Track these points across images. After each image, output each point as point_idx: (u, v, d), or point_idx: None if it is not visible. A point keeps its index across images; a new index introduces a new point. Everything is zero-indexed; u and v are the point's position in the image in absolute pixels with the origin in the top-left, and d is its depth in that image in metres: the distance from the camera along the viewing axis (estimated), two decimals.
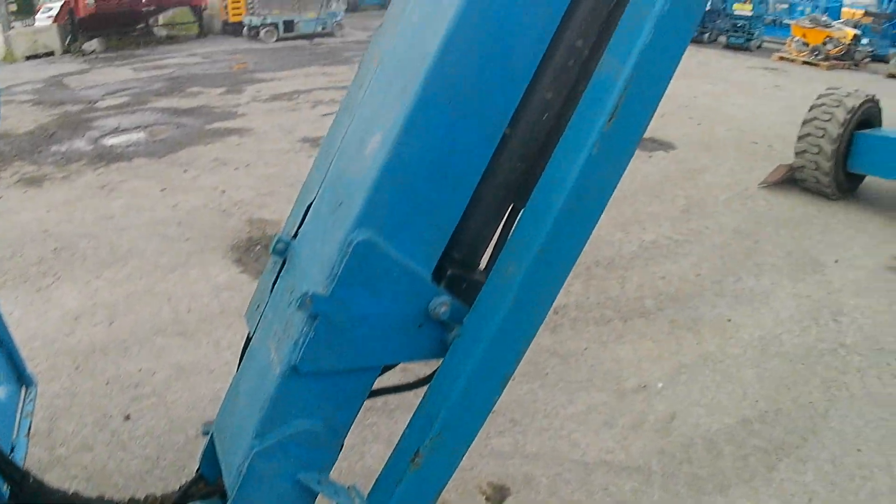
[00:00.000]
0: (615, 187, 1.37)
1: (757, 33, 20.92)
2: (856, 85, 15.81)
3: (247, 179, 7.01)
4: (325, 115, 9.75)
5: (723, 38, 21.22)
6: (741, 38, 20.89)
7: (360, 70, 1.61)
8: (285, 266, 1.57)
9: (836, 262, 5.46)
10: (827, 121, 6.41)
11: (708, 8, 20.40)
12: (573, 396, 3.75)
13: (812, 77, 16.21)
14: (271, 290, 1.61)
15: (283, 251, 1.54)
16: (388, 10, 1.66)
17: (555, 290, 1.43)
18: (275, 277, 1.60)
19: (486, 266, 1.47)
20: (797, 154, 6.71)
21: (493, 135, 1.35)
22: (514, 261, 1.36)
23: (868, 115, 6.65)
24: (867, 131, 6.52)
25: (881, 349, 4.33)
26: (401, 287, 1.35)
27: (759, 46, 21.42)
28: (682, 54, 1.34)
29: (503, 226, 1.51)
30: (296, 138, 8.56)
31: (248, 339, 1.67)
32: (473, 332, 1.39)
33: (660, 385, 3.83)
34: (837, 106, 6.43)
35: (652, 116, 1.33)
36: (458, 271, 1.44)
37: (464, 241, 1.44)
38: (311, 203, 1.52)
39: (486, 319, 1.37)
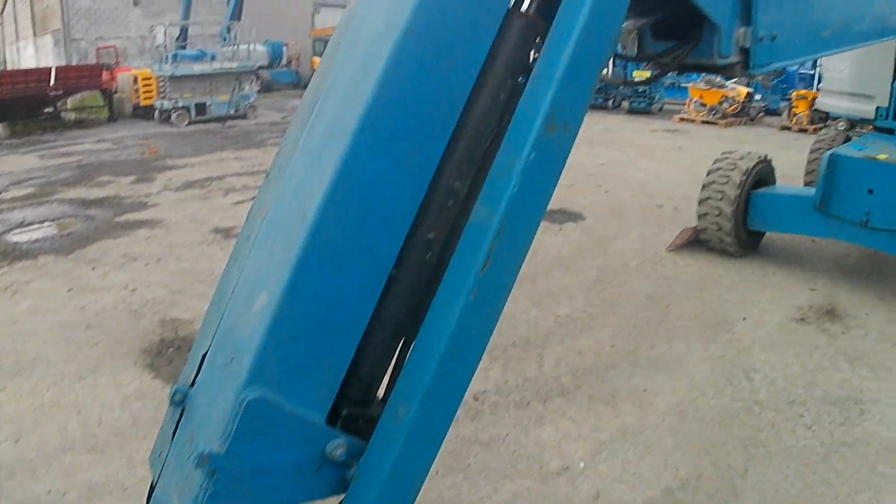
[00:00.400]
0: (497, 321, 1.47)
1: (658, 97, 22.03)
2: (752, 138, 16.91)
3: (158, 276, 6.87)
4: (237, 202, 9.73)
5: (626, 104, 22.19)
6: (643, 102, 21.98)
7: (248, 220, 1.66)
8: (184, 415, 1.56)
9: (745, 319, 5.68)
10: (724, 184, 6.79)
11: (610, 77, 21.55)
12: (497, 486, 3.73)
13: (712, 135, 17.16)
14: (172, 438, 1.60)
15: (180, 402, 1.54)
16: (279, 149, 1.73)
17: (446, 422, 1.49)
18: (174, 426, 1.60)
19: (384, 396, 1.52)
20: (699, 217, 7.04)
21: (377, 281, 1.41)
22: (403, 401, 1.42)
23: (762, 175, 7.11)
24: (762, 190, 6.95)
25: (793, 402, 4.49)
26: (296, 436, 1.38)
27: (660, 109, 22.58)
28: (551, 195, 1.50)
29: (398, 356, 1.56)
30: (208, 229, 8.48)
31: (153, 487, 1.65)
32: (370, 470, 1.42)
33: (581, 465, 3.85)
34: (733, 169, 6.85)
35: (525, 257, 1.48)
36: (353, 410, 1.47)
37: (357, 380, 1.47)
38: (206, 352, 1.51)
39: (381, 458, 1.41)
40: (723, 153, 7.21)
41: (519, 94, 1.51)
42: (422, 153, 1.42)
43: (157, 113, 19.59)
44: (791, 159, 11.93)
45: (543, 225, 7.39)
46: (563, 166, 1.53)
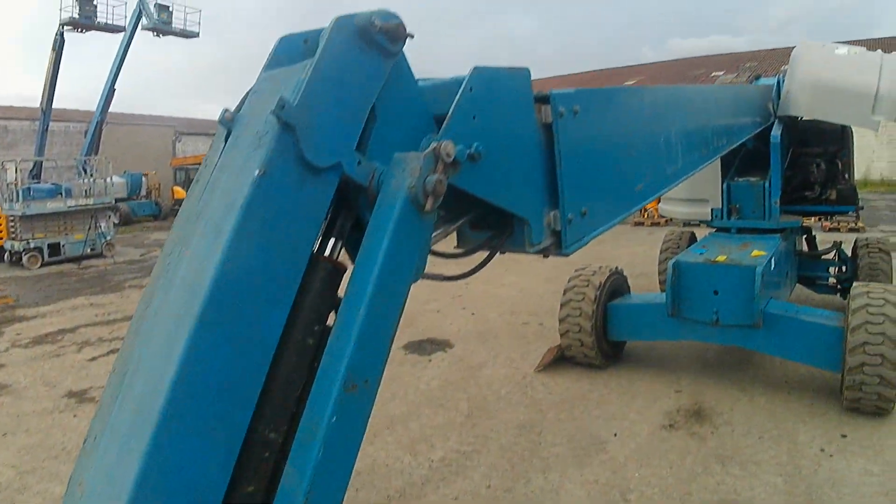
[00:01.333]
0: None
1: None
2: (609, 237, 17.61)
3: (4, 453, 6.21)
4: (92, 359, 9.09)
5: None
6: None
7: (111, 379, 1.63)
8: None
9: (616, 435, 5.75)
10: (580, 300, 7.07)
11: None
12: None
13: None
14: None
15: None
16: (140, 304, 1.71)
17: None
18: None
19: None
20: (562, 335, 7.25)
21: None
22: None
23: (616, 286, 7.49)
24: (618, 301, 7.29)
25: None
26: None
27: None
28: (360, 445, 1.57)
29: None
30: (60, 393, 7.81)
31: None
32: None
33: None
34: (587, 285, 7.15)
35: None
36: None
37: None
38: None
39: None
40: (576, 270, 7.51)
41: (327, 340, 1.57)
42: (233, 409, 1.43)
43: (6, 255, 18.53)
44: (648, 254, 12.62)
45: (412, 358, 7.34)
46: (369, 416, 1.57)
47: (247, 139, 1.61)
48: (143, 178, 33.71)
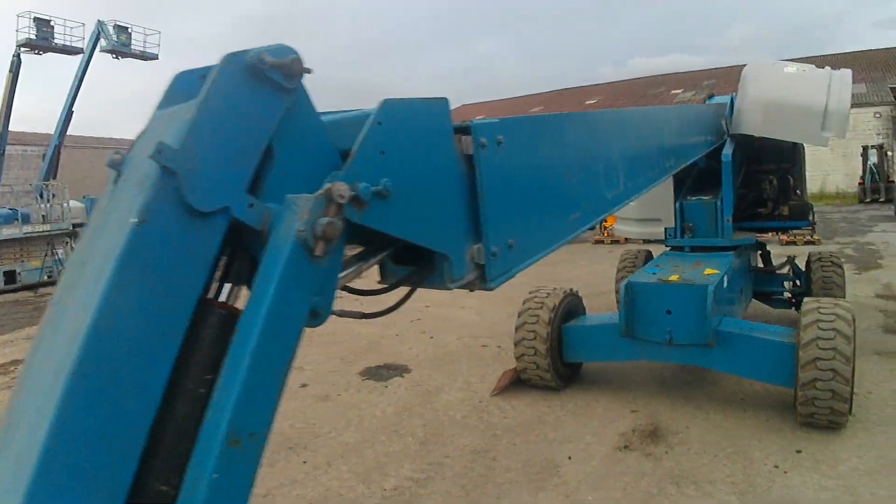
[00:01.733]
0: None
1: None
2: (568, 256, 17.80)
3: None
4: None
5: None
6: None
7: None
8: None
9: (570, 458, 5.70)
10: (535, 323, 7.05)
11: None
12: None
13: None
14: None
15: None
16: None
17: None
18: None
19: None
20: (517, 358, 7.21)
21: None
22: None
23: (571, 307, 7.48)
24: (572, 323, 7.28)
25: None
26: None
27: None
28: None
29: None
30: None
31: None
32: None
33: None
34: (541, 308, 7.13)
35: None
36: None
37: None
38: None
39: None
40: (530, 292, 7.48)
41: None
42: (114, 461, 1.38)
43: None
44: (607, 273, 12.66)
45: (369, 385, 7.26)
46: (256, 471, 1.49)
47: (131, 183, 1.55)
48: None
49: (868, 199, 32.99)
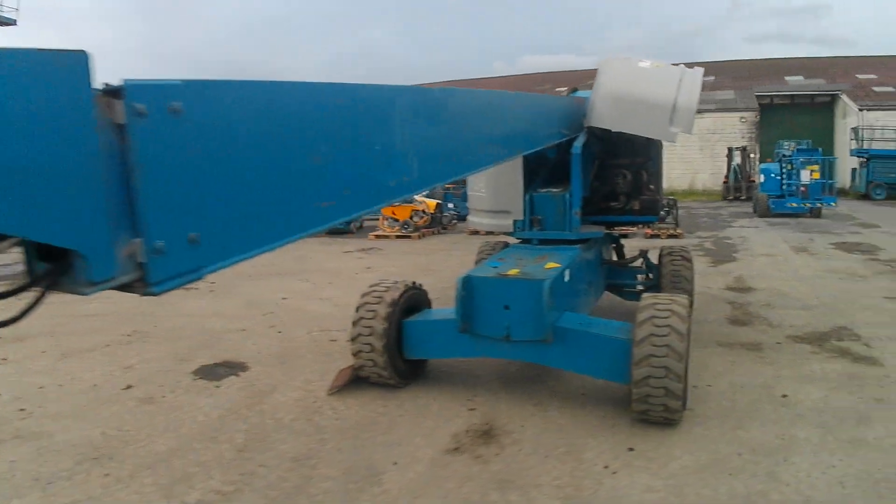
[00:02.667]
0: None
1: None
2: (444, 246, 17.61)
3: None
4: None
5: None
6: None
7: None
8: None
9: (396, 463, 5.31)
10: (371, 318, 6.65)
11: None
12: None
13: (404, 249, 17.62)
14: None
15: None
16: None
17: None
18: None
19: None
20: (354, 354, 6.80)
21: None
22: None
23: (414, 302, 7.11)
24: (413, 318, 6.90)
25: None
26: None
27: (360, 227, 23.11)
28: None
29: None
30: None
31: None
32: None
33: None
34: (379, 302, 6.72)
35: None
36: None
37: None
38: None
39: None
40: (370, 286, 7.09)
41: None
42: None
43: None
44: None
45: (200, 384, 6.64)
46: None
47: None
48: None
49: (731, 197, 34.60)
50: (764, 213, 24.65)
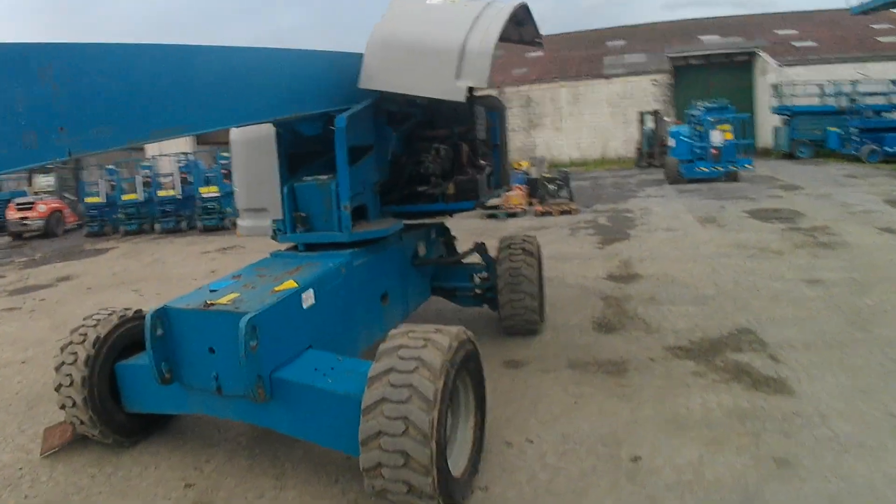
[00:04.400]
0: None
1: (230, 211, 21.02)
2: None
3: None
4: None
5: (200, 224, 21.63)
6: (213, 219, 21.38)
7: None
8: None
9: None
10: (72, 363, 4.90)
11: (181, 196, 21.92)
12: None
13: (264, 248, 15.53)
14: None
15: None
16: None
17: None
18: None
19: None
20: (60, 407, 5.00)
21: None
22: None
23: (135, 338, 5.20)
24: (130, 360, 5.09)
25: None
26: None
27: (234, 224, 21.29)
28: None
29: None
30: None
31: None
32: None
33: None
34: (83, 341, 4.98)
35: None
36: None
37: None
38: None
39: None
40: (84, 318, 5.26)
41: None
42: None
43: None
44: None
45: None
46: None
47: None
48: None
49: (644, 164, 33.41)
50: (675, 179, 23.22)
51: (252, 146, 6.06)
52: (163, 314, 4.40)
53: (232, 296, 4.49)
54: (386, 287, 6.02)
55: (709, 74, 39.63)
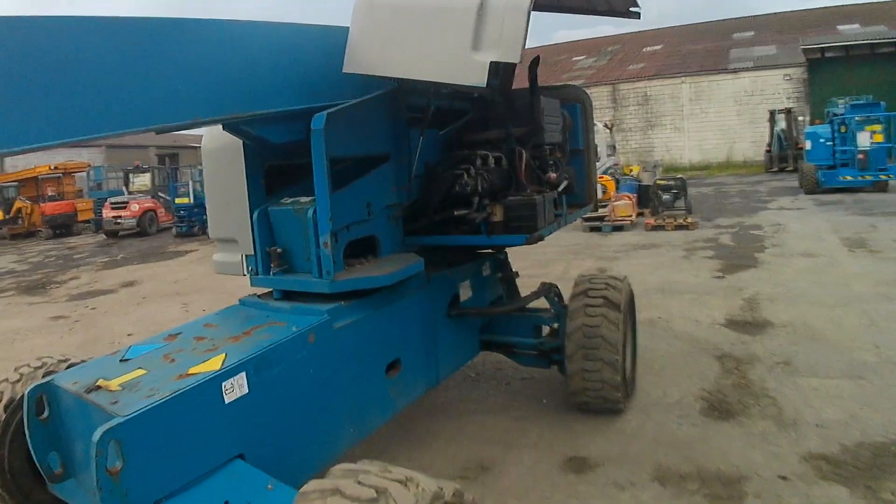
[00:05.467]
0: None
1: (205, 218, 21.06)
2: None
3: None
4: None
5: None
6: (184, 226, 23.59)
7: None
8: None
9: None
10: None
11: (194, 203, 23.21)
12: None
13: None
14: None
15: None
16: None
17: None
18: None
19: None
20: None
21: None
22: None
23: None
24: None
25: None
26: None
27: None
28: None
29: None
30: None
31: None
32: None
33: None
34: None
35: None
36: None
37: None
38: None
39: None
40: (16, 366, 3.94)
41: None
42: None
43: None
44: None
45: None
46: None
47: None
48: None
49: (775, 168, 30.06)
50: (812, 188, 20.04)
51: (224, 156, 4.41)
52: (48, 391, 3.25)
53: (131, 376, 3.14)
54: (398, 352, 4.28)
55: (848, 68, 35.24)
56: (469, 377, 6.29)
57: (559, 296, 5.30)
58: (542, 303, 5.35)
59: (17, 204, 30.17)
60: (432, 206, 4.60)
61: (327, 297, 3.86)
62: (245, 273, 4.35)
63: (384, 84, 4.21)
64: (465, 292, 5.13)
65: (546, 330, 5.45)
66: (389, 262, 4.24)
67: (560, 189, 4.99)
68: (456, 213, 4.45)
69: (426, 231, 4.69)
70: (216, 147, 4.36)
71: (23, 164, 37.76)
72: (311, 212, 3.77)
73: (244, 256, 4.28)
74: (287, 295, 4.11)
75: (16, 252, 24.24)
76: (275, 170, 4.27)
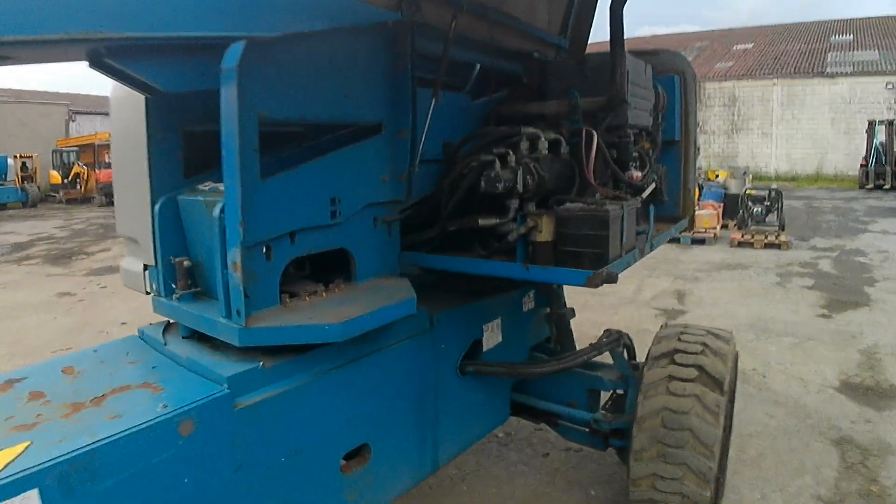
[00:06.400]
0: None
1: None
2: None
3: None
4: None
5: None
6: None
7: None
8: None
9: None
10: None
11: None
12: None
13: None
14: None
15: None
16: None
17: None
18: None
19: None
20: None
21: None
22: None
23: None
24: None
25: None
26: None
27: None
28: None
29: None
30: None
31: None
32: None
33: None
34: None
35: None
36: None
37: None
38: None
39: None
40: None
41: None
42: None
43: None
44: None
45: None
46: None
47: None
48: (11, 162, 29.78)
49: (870, 185, 27.36)
50: None
51: (136, 110, 2.89)
52: None
53: None
54: (365, 435, 2.73)
55: None
56: (494, 437, 4.70)
57: (630, 349, 3.65)
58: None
59: (76, 169, 30.20)
60: (446, 210, 3.02)
61: (242, 349, 2.33)
62: (148, 290, 2.85)
63: (376, 14, 2.66)
64: (493, 337, 3.53)
65: (605, 394, 3.81)
66: (363, 294, 2.68)
67: (645, 195, 3.37)
68: (481, 222, 2.85)
69: (435, 247, 3.13)
70: (126, 94, 2.82)
71: (88, 129, 37.89)
72: (219, 208, 2.24)
73: (145, 267, 2.78)
74: (197, 334, 2.60)
75: (65, 217, 23.74)
76: (210, 136, 2.74)
